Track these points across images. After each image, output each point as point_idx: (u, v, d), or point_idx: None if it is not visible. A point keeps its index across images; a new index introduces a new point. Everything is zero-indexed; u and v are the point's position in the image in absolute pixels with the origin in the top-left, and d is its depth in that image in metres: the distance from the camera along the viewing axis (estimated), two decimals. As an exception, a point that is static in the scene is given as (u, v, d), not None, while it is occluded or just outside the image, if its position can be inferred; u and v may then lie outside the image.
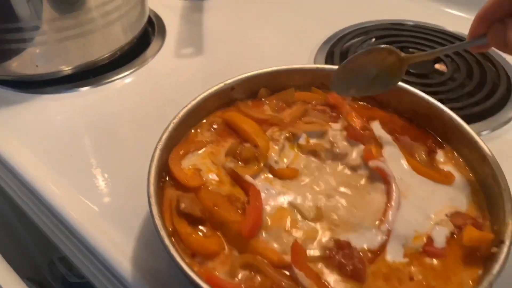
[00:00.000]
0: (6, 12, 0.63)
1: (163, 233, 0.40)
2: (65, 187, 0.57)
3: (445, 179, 0.50)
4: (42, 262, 1.20)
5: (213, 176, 0.50)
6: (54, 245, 0.62)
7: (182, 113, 0.53)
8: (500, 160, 0.48)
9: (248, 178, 0.49)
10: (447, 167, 0.52)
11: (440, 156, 0.54)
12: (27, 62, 0.69)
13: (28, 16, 0.64)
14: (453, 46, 0.57)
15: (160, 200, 0.46)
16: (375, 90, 0.53)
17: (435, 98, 0.56)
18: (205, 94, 0.56)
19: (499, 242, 0.40)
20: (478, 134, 0.51)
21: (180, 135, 0.54)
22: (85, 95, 0.74)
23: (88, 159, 0.62)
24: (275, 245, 0.43)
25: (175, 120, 0.52)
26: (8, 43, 0.66)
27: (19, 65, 0.70)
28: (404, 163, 0.51)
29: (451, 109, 0.54)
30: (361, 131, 0.53)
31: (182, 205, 0.45)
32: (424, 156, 0.53)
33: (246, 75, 0.60)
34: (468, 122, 0.53)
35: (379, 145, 0.53)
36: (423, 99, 0.56)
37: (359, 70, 0.51)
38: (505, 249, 0.39)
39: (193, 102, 0.55)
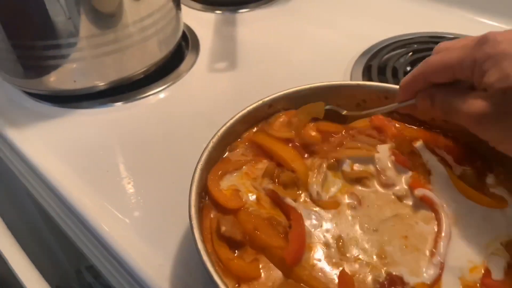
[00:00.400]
0: (46, 29, 0.64)
1: (206, 259, 0.39)
2: (98, 200, 0.57)
3: (497, 203, 0.47)
4: (70, 270, 1.21)
5: (252, 197, 0.49)
6: (82, 254, 0.62)
7: (221, 131, 0.52)
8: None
9: (289, 201, 0.47)
10: (499, 191, 0.49)
11: (491, 178, 0.51)
12: (66, 77, 0.70)
13: (68, 33, 0.65)
14: (385, 108, 0.54)
15: (200, 221, 0.45)
16: None
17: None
18: (243, 112, 0.55)
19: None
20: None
21: (218, 154, 0.53)
22: (119, 110, 0.74)
23: (122, 174, 0.62)
24: (320, 274, 0.41)
25: (214, 139, 0.51)
26: (47, 59, 0.67)
27: (57, 80, 0.70)
28: (452, 187, 0.48)
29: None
30: (408, 156, 0.51)
31: (223, 228, 0.43)
32: (473, 179, 0.50)
33: (284, 92, 0.59)
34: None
35: (427, 170, 0.50)
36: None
37: None
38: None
39: (232, 121, 0.54)
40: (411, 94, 0.48)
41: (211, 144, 0.50)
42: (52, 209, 0.66)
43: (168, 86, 0.78)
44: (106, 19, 0.66)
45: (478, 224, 0.45)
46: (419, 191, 0.47)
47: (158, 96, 0.77)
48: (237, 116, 0.54)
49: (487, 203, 0.47)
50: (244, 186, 0.50)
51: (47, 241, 1.09)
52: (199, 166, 0.48)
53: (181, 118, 0.71)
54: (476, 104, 0.40)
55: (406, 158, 0.52)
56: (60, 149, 0.66)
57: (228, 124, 0.53)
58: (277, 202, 0.48)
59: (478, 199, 0.47)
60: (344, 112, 0.55)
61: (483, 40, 0.39)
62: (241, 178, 0.51)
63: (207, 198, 0.49)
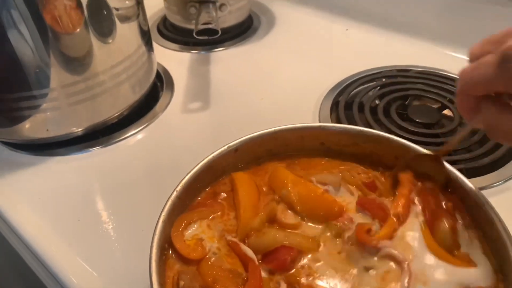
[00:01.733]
0: (17, 81, 0.66)
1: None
2: (68, 251, 0.58)
3: (466, 264, 0.46)
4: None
5: (216, 247, 0.50)
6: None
7: (184, 181, 0.53)
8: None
9: (247, 250, 0.48)
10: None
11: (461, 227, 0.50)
12: (38, 126, 0.71)
13: (38, 84, 0.66)
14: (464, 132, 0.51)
15: (162, 274, 0.46)
16: None
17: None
18: (208, 158, 0.57)
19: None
20: (490, 186, 0.50)
21: (184, 203, 0.54)
22: (96, 155, 0.75)
23: (93, 222, 0.62)
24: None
25: (179, 188, 0.52)
26: (20, 110, 0.68)
27: (30, 129, 0.72)
28: (422, 242, 0.47)
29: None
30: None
31: (182, 283, 0.44)
32: (446, 227, 0.49)
33: (250, 136, 0.60)
34: (479, 174, 0.52)
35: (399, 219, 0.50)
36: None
37: None
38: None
39: (195, 169, 0.55)
40: (469, 113, 0.44)
41: (174, 194, 0.52)
42: (28, 260, 0.67)
43: (143, 128, 0.80)
44: (77, 69, 0.68)
45: (448, 279, 0.45)
46: (383, 248, 0.46)
47: (134, 138, 0.78)
48: (201, 164, 0.56)
49: (455, 263, 0.46)
50: (208, 235, 0.51)
51: None
52: (162, 218, 0.49)
53: (158, 159, 0.73)
54: None
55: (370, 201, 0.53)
56: (33, 198, 0.67)
57: (191, 173, 0.54)
58: (237, 252, 0.49)
59: (445, 258, 0.46)
60: (432, 152, 0.53)
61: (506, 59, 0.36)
62: (206, 227, 0.52)
63: (170, 251, 0.50)
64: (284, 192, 0.54)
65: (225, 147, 0.59)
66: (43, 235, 0.61)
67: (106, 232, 0.61)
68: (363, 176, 0.57)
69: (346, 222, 0.51)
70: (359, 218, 0.52)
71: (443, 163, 0.52)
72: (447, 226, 0.48)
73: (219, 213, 0.54)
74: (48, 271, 0.58)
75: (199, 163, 0.56)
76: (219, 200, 0.56)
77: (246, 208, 0.53)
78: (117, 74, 0.74)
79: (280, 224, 0.52)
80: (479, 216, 0.49)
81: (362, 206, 0.52)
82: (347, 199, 0.55)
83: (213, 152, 0.58)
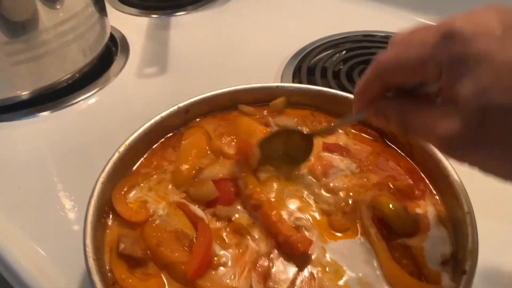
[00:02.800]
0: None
1: (96, 278, 0.37)
2: (11, 225, 0.54)
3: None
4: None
5: (162, 208, 0.47)
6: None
7: (128, 141, 0.50)
8: (468, 183, 0.45)
9: (196, 210, 0.45)
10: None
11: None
12: (-23, 89, 0.66)
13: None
14: (343, 121, 0.51)
15: (101, 239, 0.43)
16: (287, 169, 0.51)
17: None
18: (156, 119, 0.53)
19: (462, 273, 0.37)
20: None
21: (130, 165, 0.51)
22: (45, 120, 0.70)
23: (46, 190, 0.58)
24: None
25: (121, 149, 0.49)
26: (-45, 70, 0.63)
27: (-32, 92, 0.66)
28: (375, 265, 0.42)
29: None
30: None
31: (122, 246, 0.41)
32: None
33: (202, 96, 0.57)
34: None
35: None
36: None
37: (273, 149, 0.51)
38: (465, 279, 0.36)
39: (142, 129, 0.52)
40: (366, 102, 0.38)
41: (116, 155, 0.48)
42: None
43: (96, 92, 0.75)
44: (16, 25, 0.63)
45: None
46: None
47: (86, 102, 0.74)
48: (147, 125, 0.52)
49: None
50: (152, 197, 0.48)
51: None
52: (100, 179, 0.45)
53: (110, 124, 0.69)
54: (445, 125, 0.30)
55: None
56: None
57: (135, 134, 0.51)
58: (187, 213, 0.47)
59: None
60: (306, 131, 0.52)
61: (447, 35, 0.30)
62: (151, 189, 0.49)
63: (112, 216, 0.46)
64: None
65: (175, 107, 0.55)
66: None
67: (50, 200, 0.57)
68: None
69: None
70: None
71: (312, 144, 0.51)
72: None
73: (165, 175, 0.51)
74: None
75: (145, 123, 0.53)
76: (165, 163, 0.52)
77: (182, 161, 0.51)
78: (62, 33, 0.69)
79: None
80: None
81: (328, 149, 0.52)
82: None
83: (161, 113, 0.54)
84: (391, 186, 0.48)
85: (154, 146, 0.54)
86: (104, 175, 0.46)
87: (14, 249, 0.51)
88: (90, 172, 0.60)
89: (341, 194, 0.48)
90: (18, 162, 0.63)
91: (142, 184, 0.49)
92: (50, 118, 0.71)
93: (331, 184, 0.48)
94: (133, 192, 0.48)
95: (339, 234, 0.44)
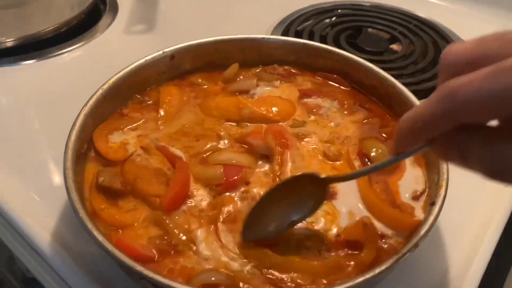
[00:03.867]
0: None
1: (74, 196, 0.37)
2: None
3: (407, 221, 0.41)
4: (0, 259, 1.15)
5: (141, 150, 0.47)
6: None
7: (113, 79, 0.50)
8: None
9: (176, 151, 0.46)
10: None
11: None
12: (-41, 32, 0.65)
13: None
14: (373, 167, 0.39)
15: (80, 173, 0.43)
16: (296, 220, 0.41)
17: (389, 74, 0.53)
18: (140, 61, 0.54)
19: (431, 204, 0.38)
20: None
21: (113, 104, 0.51)
22: (29, 69, 0.70)
23: (28, 137, 0.58)
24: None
25: (104, 86, 0.49)
26: None
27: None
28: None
29: (404, 84, 0.51)
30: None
31: (101, 179, 0.42)
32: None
33: (188, 44, 0.58)
34: (422, 97, 0.51)
35: None
36: (376, 73, 0.54)
37: (275, 205, 0.40)
38: (435, 210, 0.37)
39: (126, 70, 0.52)
40: (418, 141, 0.29)
41: (99, 91, 0.49)
42: None
43: (81, 45, 0.75)
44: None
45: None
46: None
47: (70, 55, 0.73)
48: (131, 66, 0.53)
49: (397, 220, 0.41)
50: (134, 140, 0.49)
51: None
52: (83, 112, 0.46)
53: (94, 78, 0.66)
54: None
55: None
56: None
57: (120, 73, 0.51)
58: (166, 155, 0.47)
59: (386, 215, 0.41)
60: (322, 176, 0.39)
61: None
62: (133, 134, 0.50)
63: (93, 152, 0.47)
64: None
65: (160, 52, 0.55)
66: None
67: (31, 140, 0.57)
68: (280, 69, 0.58)
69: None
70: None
71: (327, 191, 0.40)
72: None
73: (146, 121, 0.51)
74: None
75: (129, 65, 0.53)
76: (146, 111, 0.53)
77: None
78: (50, -19, 0.68)
79: None
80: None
81: (305, 94, 0.54)
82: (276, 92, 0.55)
83: (146, 56, 0.54)
84: (377, 130, 0.50)
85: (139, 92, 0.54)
86: (86, 108, 0.46)
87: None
88: (70, 120, 0.61)
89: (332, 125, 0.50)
90: (3, 108, 0.63)
91: (125, 129, 0.50)
92: (33, 67, 0.71)
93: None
94: (115, 135, 0.49)
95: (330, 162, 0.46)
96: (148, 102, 0.54)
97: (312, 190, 0.39)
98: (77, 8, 0.76)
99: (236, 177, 0.45)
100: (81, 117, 0.45)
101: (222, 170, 0.45)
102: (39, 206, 0.49)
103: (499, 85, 0.23)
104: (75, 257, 0.44)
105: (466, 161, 0.27)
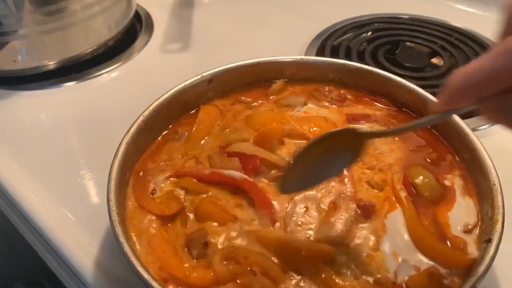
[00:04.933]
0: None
1: (118, 230, 0.38)
2: (40, 189, 0.54)
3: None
4: (37, 265, 1.18)
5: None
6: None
7: (154, 105, 0.50)
8: (494, 155, 0.44)
9: (231, 173, 0.46)
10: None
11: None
12: (5, 57, 0.67)
13: (6, 8, 0.62)
14: (415, 124, 0.39)
15: (123, 197, 0.44)
16: (331, 174, 0.42)
17: (430, 92, 0.52)
18: (180, 86, 0.54)
19: (486, 241, 0.36)
20: (474, 130, 0.48)
21: (153, 130, 0.51)
22: (69, 91, 0.72)
23: (68, 157, 0.59)
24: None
25: (145, 113, 0.50)
26: (-17, 37, 0.64)
27: (-4, 60, 0.68)
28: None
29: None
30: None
31: (194, 252, 0.41)
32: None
33: (225, 67, 0.57)
34: (465, 117, 0.49)
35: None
36: (421, 96, 0.52)
37: (312, 160, 0.40)
38: (491, 249, 0.35)
39: (166, 95, 0.52)
40: (471, 97, 0.28)
41: (140, 118, 0.49)
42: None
43: (119, 66, 0.76)
44: (46, -5, 0.64)
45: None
46: None
47: (109, 76, 0.75)
48: (172, 91, 0.53)
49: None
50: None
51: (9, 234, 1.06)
52: (125, 140, 0.46)
53: (132, 98, 0.68)
54: None
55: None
56: (1, 132, 0.63)
57: (161, 99, 0.51)
58: (222, 181, 0.46)
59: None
60: (361, 131, 0.41)
61: None
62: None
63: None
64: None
65: (198, 76, 0.55)
66: (5, 166, 0.57)
67: (73, 165, 0.58)
68: (334, 93, 0.57)
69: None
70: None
71: (364, 147, 0.39)
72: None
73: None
74: (17, 211, 0.55)
75: (169, 90, 0.53)
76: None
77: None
78: (90, 5, 0.69)
79: None
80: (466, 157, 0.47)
81: (353, 118, 0.53)
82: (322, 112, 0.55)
83: (185, 81, 0.54)
84: (422, 156, 0.48)
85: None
86: (128, 136, 0.46)
87: (39, 208, 0.52)
88: (110, 141, 0.61)
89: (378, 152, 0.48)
90: (43, 129, 0.64)
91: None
92: (73, 89, 0.72)
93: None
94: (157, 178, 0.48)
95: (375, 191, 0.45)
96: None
97: (349, 145, 0.38)
98: (115, 29, 0.77)
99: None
100: (123, 145, 0.45)
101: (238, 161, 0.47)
102: (80, 232, 0.49)
103: None
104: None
105: None
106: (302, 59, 0.58)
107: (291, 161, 0.40)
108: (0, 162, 0.58)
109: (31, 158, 0.59)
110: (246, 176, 0.46)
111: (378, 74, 0.55)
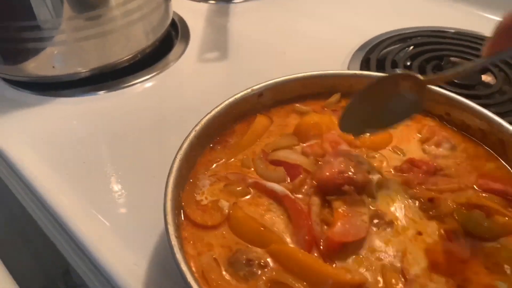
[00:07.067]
0: (22, 8, 0.60)
1: (179, 256, 0.35)
2: (76, 198, 0.53)
3: None
4: (56, 272, 1.16)
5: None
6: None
7: (204, 120, 0.48)
8: None
9: (274, 187, 0.44)
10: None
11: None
12: (44, 62, 0.65)
13: (45, 14, 0.61)
14: (473, 65, 0.42)
15: (178, 217, 0.41)
16: (392, 121, 0.44)
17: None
18: (230, 100, 0.51)
19: None
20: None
21: (200, 147, 0.49)
22: (103, 99, 0.70)
23: (102, 167, 0.57)
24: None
25: (197, 128, 0.47)
26: (24, 42, 0.63)
27: (35, 66, 0.66)
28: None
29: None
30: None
31: (241, 273, 0.39)
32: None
33: (276, 80, 0.55)
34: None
35: None
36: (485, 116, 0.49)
37: (373, 103, 0.43)
38: None
39: (217, 109, 0.50)
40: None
41: (193, 133, 0.46)
42: (27, 203, 0.62)
43: (155, 75, 0.74)
44: (86, 1, 0.62)
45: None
46: None
47: (144, 85, 0.73)
48: (223, 105, 0.50)
49: None
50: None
51: (31, 239, 1.05)
52: (178, 156, 0.43)
53: (168, 108, 0.67)
54: None
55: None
56: (36, 139, 0.61)
57: (212, 113, 0.49)
58: (265, 193, 0.45)
59: None
60: (421, 78, 0.42)
61: None
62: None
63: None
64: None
65: (249, 90, 0.53)
66: (44, 176, 0.56)
67: (115, 176, 0.56)
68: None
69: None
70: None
71: (425, 92, 0.42)
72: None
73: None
74: (50, 215, 0.53)
75: (220, 104, 0.50)
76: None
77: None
78: (130, 11, 0.67)
79: None
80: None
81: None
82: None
83: (235, 95, 0.52)
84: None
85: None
86: (182, 152, 0.44)
87: (81, 221, 0.50)
88: (146, 152, 0.59)
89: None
90: (78, 137, 0.62)
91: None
92: (107, 97, 0.70)
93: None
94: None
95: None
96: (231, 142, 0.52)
97: (411, 91, 0.40)
98: (153, 36, 0.75)
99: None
100: (177, 162, 0.43)
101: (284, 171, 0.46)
102: (125, 250, 0.47)
103: None
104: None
105: None
106: (355, 73, 0.56)
107: (353, 99, 0.42)
108: (39, 170, 0.56)
109: (70, 168, 0.57)
110: (287, 192, 0.44)
111: (433, 91, 0.52)
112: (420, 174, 0.47)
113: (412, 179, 0.47)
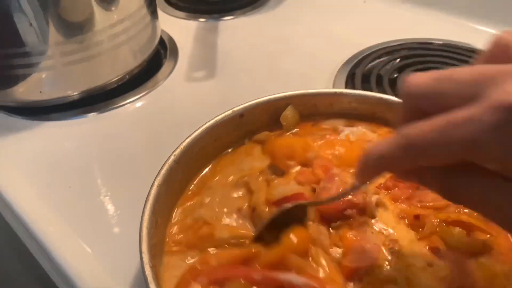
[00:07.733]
0: (10, 35, 0.61)
1: (153, 286, 0.35)
2: (61, 224, 0.53)
3: None
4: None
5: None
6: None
7: (184, 144, 0.49)
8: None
9: (289, 277, 0.38)
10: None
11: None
12: (32, 88, 0.66)
13: (31, 40, 0.61)
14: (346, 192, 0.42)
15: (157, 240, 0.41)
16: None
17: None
18: (210, 122, 0.52)
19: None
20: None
21: (183, 174, 0.49)
22: (93, 121, 0.70)
23: (91, 191, 0.58)
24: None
25: (176, 152, 0.48)
26: (12, 69, 0.64)
27: (23, 91, 0.67)
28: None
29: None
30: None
31: None
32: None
33: (257, 101, 0.55)
34: None
35: None
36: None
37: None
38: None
39: (196, 133, 0.50)
40: (381, 173, 0.31)
41: (172, 158, 0.47)
42: (18, 230, 0.63)
43: (144, 95, 0.75)
44: (73, 25, 0.63)
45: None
46: None
47: (133, 105, 0.73)
48: (202, 128, 0.51)
49: None
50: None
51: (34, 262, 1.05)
52: (156, 182, 0.44)
53: (158, 128, 0.68)
54: None
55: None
56: (23, 163, 0.62)
57: (191, 137, 0.49)
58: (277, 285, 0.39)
59: None
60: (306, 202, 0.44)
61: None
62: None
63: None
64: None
65: (230, 111, 0.54)
66: (30, 200, 0.56)
67: (98, 201, 0.56)
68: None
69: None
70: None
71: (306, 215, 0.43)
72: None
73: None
74: (31, 235, 0.53)
75: (200, 127, 0.51)
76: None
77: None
78: (116, 34, 0.68)
79: None
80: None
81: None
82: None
83: (216, 116, 0.53)
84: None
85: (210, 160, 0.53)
86: (160, 177, 0.44)
87: (63, 247, 0.50)
88: (136, 175, 0.60)
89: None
90: (68, 161, 0.63)
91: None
92: (97, 119, 0.71)
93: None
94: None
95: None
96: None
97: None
98: (140, 56, 0.76)
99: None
100: (154, 188, 0.43)
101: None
102: (104, 275, 0.47)
103: (447, 139, 0.25)
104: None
105: (451, 196, 0.29)
106: (335, 92, 0.56)
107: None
108: (26, 197, 0.57)
109: (56, 193, 0.57)
110: (310, 282, 0.37)
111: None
112: (405, 190, 0.48)
113: (399, 195, 0.47)
